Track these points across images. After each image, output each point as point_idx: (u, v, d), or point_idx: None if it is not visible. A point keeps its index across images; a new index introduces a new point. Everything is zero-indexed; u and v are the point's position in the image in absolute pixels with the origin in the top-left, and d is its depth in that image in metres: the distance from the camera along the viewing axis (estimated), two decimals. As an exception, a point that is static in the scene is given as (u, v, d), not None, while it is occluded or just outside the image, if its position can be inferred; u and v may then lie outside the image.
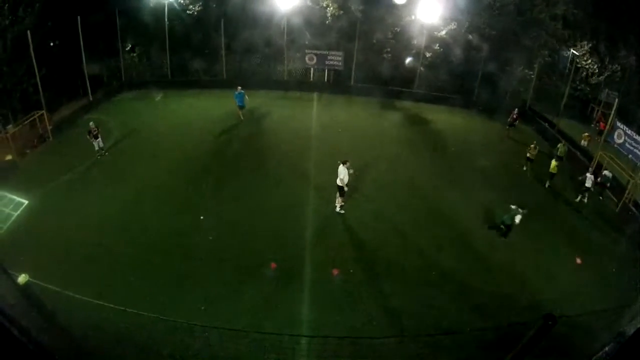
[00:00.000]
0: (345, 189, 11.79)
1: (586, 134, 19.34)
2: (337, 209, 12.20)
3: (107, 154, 15.42)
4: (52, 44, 18.72)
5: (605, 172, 14.45)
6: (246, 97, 18.54)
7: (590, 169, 14.24)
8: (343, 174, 11.52)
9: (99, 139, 14.91)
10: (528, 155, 15.99)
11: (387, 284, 9.58)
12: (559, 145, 16.90)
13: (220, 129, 17.94)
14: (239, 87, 18.47)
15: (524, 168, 16.18)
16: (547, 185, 15.14)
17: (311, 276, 9.61)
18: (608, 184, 14.39)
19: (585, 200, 14.06)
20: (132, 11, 22.36)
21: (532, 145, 15.84)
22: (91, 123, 14.84)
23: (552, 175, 15.05)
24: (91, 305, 6.80)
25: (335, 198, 12.21)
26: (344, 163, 11.59)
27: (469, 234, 11.74)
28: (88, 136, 14.72)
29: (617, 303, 8.84)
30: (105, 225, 11.18)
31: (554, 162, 14.89)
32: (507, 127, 19.80)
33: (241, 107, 18.69)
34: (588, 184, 13.79)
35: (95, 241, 10.46)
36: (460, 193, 13.91)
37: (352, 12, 23.18)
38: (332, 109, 21.84)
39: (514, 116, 19.72)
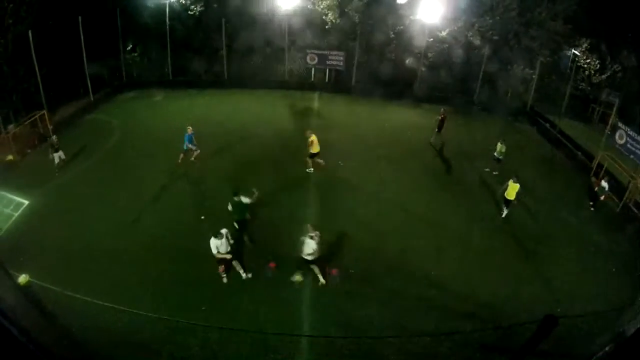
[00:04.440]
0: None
1: None
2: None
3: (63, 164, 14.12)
4: (53, 43, 18.73)
5: (602, 182, 13.43)
6: (194, 140, 14.46)
7: None
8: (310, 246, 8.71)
9: (59, 152, 13.92)
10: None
11: (387, 283, 9.57)
12: (497, 144, 14.23)
13: (219, 130, 17.91)
14: (190, 128, 14.49)
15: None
16: (503, 216, 12.35)
17: (311, 276, 9.61)
18: (602, 197, 13.27)
19: None
20: (133, 11, 22.41)
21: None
22: (54, 137, 14.20)
23: (508, 202, 12.04)
24: (92, 306, 6.81)
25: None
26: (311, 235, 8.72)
27: (469, 235, 11.70)
28: (50, 149, 13.93)
29: (617, 303, 8.86)
30: (106, 226, 11.17)
31: (512, 185, 11.75)
32: (437, 130, 16.83)
33: (186, 152, 14.55)
34: None
35: (96, 241, 10.46)
36: (460, 193, 13.89)
37: (350, 17, 23.25)
38: (333, 109, 21.82)
39: (441, 116, 16.51)
